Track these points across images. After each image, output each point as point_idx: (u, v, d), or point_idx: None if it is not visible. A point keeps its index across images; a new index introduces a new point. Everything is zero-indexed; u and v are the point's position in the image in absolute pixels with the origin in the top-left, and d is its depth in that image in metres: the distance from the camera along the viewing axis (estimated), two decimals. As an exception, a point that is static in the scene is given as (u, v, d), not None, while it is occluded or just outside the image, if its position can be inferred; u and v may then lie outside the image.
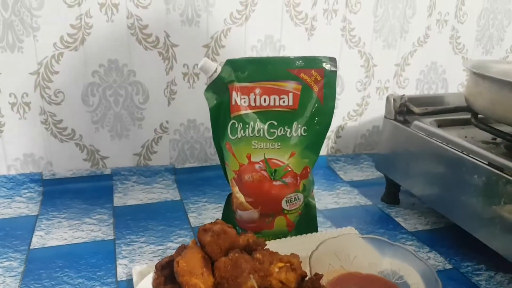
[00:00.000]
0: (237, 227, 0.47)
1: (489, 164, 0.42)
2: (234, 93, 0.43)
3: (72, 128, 0.60)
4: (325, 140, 0.73)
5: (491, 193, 0.41)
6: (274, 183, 0.44)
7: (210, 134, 0.47)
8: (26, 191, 0.58)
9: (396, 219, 0.56)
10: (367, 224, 0.54)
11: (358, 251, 0.39)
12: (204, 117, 0.65)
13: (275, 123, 0.43)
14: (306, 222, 0.47)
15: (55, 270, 0.43)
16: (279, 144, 0.43)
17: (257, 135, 0.43)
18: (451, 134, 0.49)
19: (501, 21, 0.77)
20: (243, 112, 0.43)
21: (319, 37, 0.66)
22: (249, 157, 0.44)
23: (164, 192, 0.60)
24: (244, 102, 0.43)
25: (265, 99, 0.43)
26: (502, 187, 0.40)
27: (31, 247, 0.46)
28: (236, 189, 0.45)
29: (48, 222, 0.51)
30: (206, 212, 0.55)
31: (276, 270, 0.33)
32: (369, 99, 0.74)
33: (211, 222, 0.38)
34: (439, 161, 0.49)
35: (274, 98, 0.43)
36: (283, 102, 0.43)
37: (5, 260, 0.44)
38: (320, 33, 0.66)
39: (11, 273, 0.42)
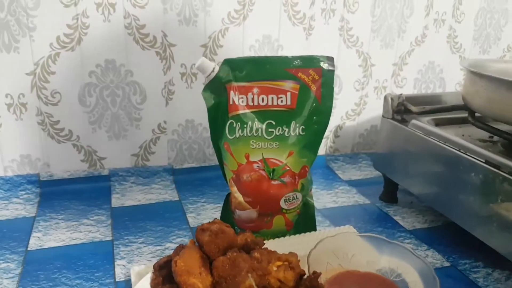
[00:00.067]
0: (236, 227, 0.47)
1: (486, 162, 0.42)
2: (232, 93, 0.43)
3: (69, 129, 0.60)
4: (324, 140, 0.73)
5: (488, 191, 0.42)
6: (273, 182, 0.44)
7: (209, 134, 0.47)
8: (23, 192, 0.58)
9: (394, 217, 0.56)
10: (366, 223, 0.54)
11: (356, 250, 0.39)
12: (202, 117, 0.64)
13: (273, 123, 0.43)
14: (305, 221, 0.47)
15: (53, 271, 0.43)
16: (277, 143, 0.43)
17: (255, 134, 0.43)
18: (448, 133, 0.49)
19: (498, 20, 0.77)
20: (241, 111, 0.43)
21: (317, 37, 0.67)
22: (247, 157, 0.44)
23: (162, 192, 0.60)
24: (242, 101, 0.43)
25: (263, 98, 0.43)
26: (499, 185, 0.40)
27: (28, 249, 0.46)
28: (234, 189, 0.45)
29: (45, 224, 0.51)
30: (205, 212, 0.55)
31: (274, 268, 0.33)
32: (367, 99, 0.74)
33: (209, 222, 0.38)
34: (436, 160, 0.49)
35: (272, 98, 0.43)
36: (281, 101, 0.43)
37: (2, 261, 0.44)
38: (318, 32, 0.66)
39: (9, 275, 0.42)
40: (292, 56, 0.44)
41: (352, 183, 0.65)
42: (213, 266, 0.34)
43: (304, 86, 0.43)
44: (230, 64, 0.43)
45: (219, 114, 0.44)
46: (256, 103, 0.43)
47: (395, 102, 0.56)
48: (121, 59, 0.59)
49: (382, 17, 0.69)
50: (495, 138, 0.49)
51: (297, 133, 0.43)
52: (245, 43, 0.63)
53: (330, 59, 0.44)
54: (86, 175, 0.61)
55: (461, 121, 0.53)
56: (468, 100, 0.49)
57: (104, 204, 0.56)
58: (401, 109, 0.56)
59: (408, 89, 0.76)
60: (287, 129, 0.43)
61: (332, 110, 0.44)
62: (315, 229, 0.48)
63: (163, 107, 0.63)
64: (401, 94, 0.57)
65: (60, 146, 0.60)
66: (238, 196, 0.45)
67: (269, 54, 0.65)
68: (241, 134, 0.43)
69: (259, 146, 0.43)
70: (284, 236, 0.45)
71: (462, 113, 0.52)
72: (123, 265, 0.44)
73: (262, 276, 0.32)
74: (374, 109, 0.74)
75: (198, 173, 0.65)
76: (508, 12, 0.77)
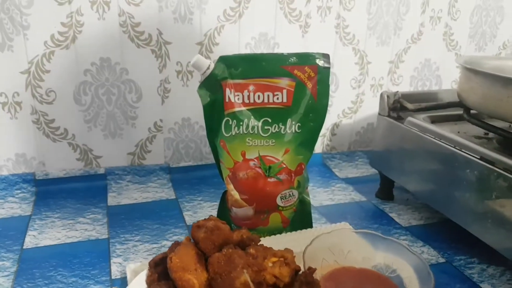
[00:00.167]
0: (232, 224, 0.47)
1: (481, 158, 0.42)
2: (227, 90, 0.43)
3: (64, 127, 0.59)
4: (321, 138, 0.74)
5: (483, 187, 0.42)
6: (269, 180, 0.44)
7: (205, 132, 0.47)
8: (19, 191, 0.57)
9: (390, 214, 0.56)
10: (362, 219, 0.54)
11: (351, 246, 0.39)
12: (198, 116, 0.64)
13: (269, 120, 0.43)
14: (301, 218, 0.47)
15: (49, 269, 0.43)
16: (274, 141, 0.43)
17: (251, 132, 0.43)
18: (444, 130, 0.49)
19: (494, 18, 0.78)
20: (237, 109, 0.43)
21: (313, 35, 0.66)
22: (243, 154, 0.43)
23: (159, 191, 0.60)
24: (238, 99, 0.43)
25: (259, 96, 0.43)
26: (494, 181, 0.41)
27: (24, 247, 0.46)
28: (231, 187, 0.45)
29: (41, 222, 0.51)
30: (202, 211, 0.55)
31: (270, 264, 0.33)
32: (363, 97, 0.74)
33: (205, 219, 0.38)
34: (432, 157, 0.49)
35: (268, 95, 0.43)
36: (277, 99, 0.43)
37: (-3, 260, 0.44)
38: (314, 30, 0.66)
39: (4, 273, 0.42)
40: (288, 53, 0.44)
41: (349, 181, 0.66)
42: (208, 262, 0.34)
43: (300, 83, 0.43)
44: (226, 61, 0.43)
45: (215, 112, 0.44)
46: (252, 101, 0.43)
47: (391, 100, 0.56)
48: (116, 57, 0.58)
49: (378, 15, 0.70)
50: (490, 134, 0.49)
51: (293, 131, 0.43)
52: (241, 40, 0.63)
53: (326, 56, 0.44)
54: (82, 173, 0.61)
55: (457, 118, 0.53)
56: (463, 97, 0.49)
57: (100, 203, 0.56)
58: (397, 107, 0.56)
59: (405, 87, 0.76)
60: (283, 127, 0.43)
61: (329, 108, 0.45)
62: (311, 226, 0.48)
63: (159, 105, 0.63)
64: (397, 91, 0.57)
65: (55, 145, 0.60)
66: (235, 194, 0.45)
67: (265, 51, 0.65)
68: (237, 132, 0.43)
69: (255, 143, 0.43)
70: (280, 233, 0.45)
71: (458, 110, 0.52)
72: (119, 263, 0.44)
73: (257, 272, 0.32)
74: (371, 107, 0.74)
75: (194, 172, 0.65)
76: (503, 10, 0.77)
